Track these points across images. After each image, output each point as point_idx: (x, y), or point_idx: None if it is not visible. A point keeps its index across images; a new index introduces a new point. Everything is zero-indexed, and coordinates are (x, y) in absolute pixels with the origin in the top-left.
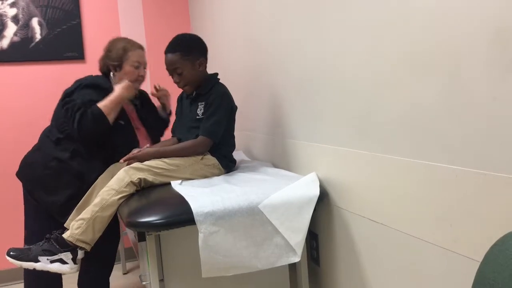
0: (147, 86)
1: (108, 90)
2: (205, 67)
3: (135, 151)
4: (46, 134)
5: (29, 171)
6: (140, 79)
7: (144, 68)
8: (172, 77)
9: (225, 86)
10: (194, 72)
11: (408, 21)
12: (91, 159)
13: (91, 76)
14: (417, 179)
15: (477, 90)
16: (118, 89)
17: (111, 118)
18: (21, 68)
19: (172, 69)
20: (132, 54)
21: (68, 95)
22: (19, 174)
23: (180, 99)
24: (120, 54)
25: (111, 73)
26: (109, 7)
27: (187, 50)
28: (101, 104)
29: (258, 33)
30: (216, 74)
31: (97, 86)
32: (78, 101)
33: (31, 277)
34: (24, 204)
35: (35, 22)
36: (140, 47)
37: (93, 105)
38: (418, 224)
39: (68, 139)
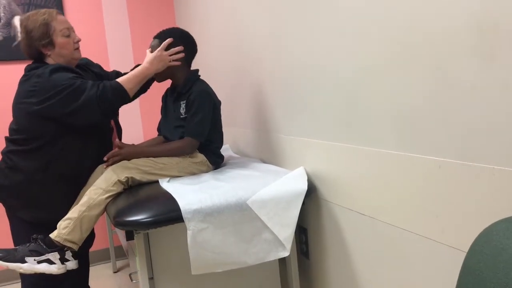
0: None
1: (72, 68)
2: (185, 63)
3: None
4: (13, 150)
5: (8, 192)
6: (77, 45)
7: (73, 31)
8: None
9: (205, 83)
10: None
11: (391, 14)
12: (80, 153)
13: (42, 67)
14: (402, 171)
15: (460, 81)
16: (151, 62)
17: (132, 89)
18: (4, 67)
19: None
20: (56, 23)
21: (49, 97)
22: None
23: (165, 98)
24: (44, 30)
25: (47, 55)
26: (93, 4)
27: (165, 39)
28: (121, 79)
29: (243, 29)
30: (196, 71)
31: (65, 68)
32: (77, 82)
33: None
34: (10, 221)
35: (17, 20)
36: (58, 13)
37: (110, 81)
38: (405, 216)
39: (50, 143)
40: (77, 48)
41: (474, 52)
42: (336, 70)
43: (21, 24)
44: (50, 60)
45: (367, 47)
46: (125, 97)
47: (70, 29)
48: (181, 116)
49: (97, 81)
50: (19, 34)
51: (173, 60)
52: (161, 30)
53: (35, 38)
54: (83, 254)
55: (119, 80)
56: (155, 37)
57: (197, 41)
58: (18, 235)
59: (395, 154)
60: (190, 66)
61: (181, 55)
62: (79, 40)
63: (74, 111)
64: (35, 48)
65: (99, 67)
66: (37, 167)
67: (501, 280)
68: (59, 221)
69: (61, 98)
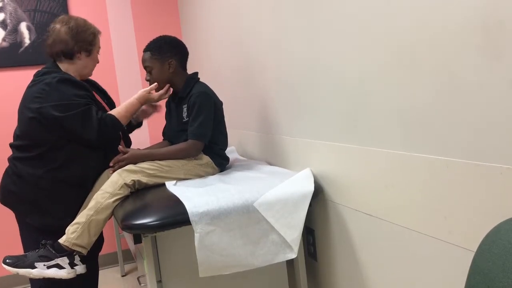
0: (138, 84)
1: (81, 83)
2: (180, 68)
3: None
4: (18, 157)
5: (16, 198)
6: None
7: None
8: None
9: (204, 84)
10: (162, 72)
11: (395, 14)
12: (86, 159)
13: (50, 75)
14: (409, 172)
15: (466, 80)
16: (139, 99)
17: (125, 123)
18: (11, 73)
19: (144, 67)
20: (98, 40)
21: (55, 107)
22: (6, 203)
23: (168, 104)
24: (91, 39)
25: (76, 56)
26: (98, 10)
27: (157, 50)
28: (118, 113)
29: (248, 32)
30: (196, 73)
31: (72, 81)
32: (81, 107)
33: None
34: (20, 227)
35: (23, 26)
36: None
37: (109, 114)
38: (413, 216)
39: (53, 150)
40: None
41: (480, 51)
42: (341, 70)
43: (63, 21)
44: (64, 67)
45: (372, 48)
46: (119, 132)
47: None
48: (184, 120)
49: (103, 94)
50: (25, 40)
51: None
52: (156, 37)
53: (80, 39)
54: (92, 258)
55: (116, 115)
56: (145, 50)
57: (201, 44)
58: (27, 241)
59: (401, 154)
60: (185, 69)
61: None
62: (98, 62)
63: (72, 132)
64: (71, 48)
65: (105, 92)
66: (40, 175)
67: (510, 279)
68: (66, 226)
69: (66, 117)
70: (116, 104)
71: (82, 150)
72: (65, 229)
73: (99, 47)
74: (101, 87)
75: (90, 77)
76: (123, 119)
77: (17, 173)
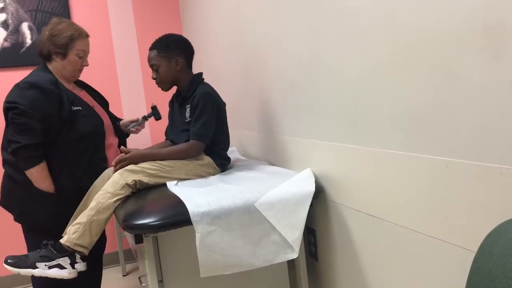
0: (140, 84)
1: (51, 90)
2: (187, 67)
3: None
4: (5, 159)
5: (10, 200)
6: (82, 68)
7: (87, 55)
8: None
9: (208, 85)
10: (169, 71)
11: (396, 14)
12: (63, 163)
13: (29, 76)
14: (409, 172)
15: (466, 80)
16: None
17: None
18: (12, 73)
19: (150, 65)
20: (78, 43)
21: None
22: (4, 206)
23: (171, 103)
24: (66, 42)
25: (53, 59)
26: (100, 10)
27: (164, 47)
28: (36, 174)
29: (248, 33)
30: (200, 74)
31: (38, 86)
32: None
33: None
34: (22, 228)
35: (25, 27)
36: (87, 36)
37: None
38: (414, 217)
39: None
40: (80, 70)
41: (480, 51)
42: (341, 71)
43: (51, 24)
44: (52, 64)
45: (372, 48)
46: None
47: (85, 52)
48: (187, 120)
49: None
50: (27, 40)
51: None
52: (162, 35)
53: (54, 42)
54: (96, 258)
55: (39, 167)
56: (151, 48)
57: (202, 44)
58: (29, 241)
59: (402, 155)
60: (191, 68)
61: None
62: (86, 65)
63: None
64: (48, 49)
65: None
66: (26, 178)
67: (510, 280)
68: (59, 224)
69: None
70: (114, 104)
71: (62, 148)
72: (59, 227)
73: (81, 50)
74: (93, 88)
75: (89, 78)
76: (38, 173)
77: (9, 175)
